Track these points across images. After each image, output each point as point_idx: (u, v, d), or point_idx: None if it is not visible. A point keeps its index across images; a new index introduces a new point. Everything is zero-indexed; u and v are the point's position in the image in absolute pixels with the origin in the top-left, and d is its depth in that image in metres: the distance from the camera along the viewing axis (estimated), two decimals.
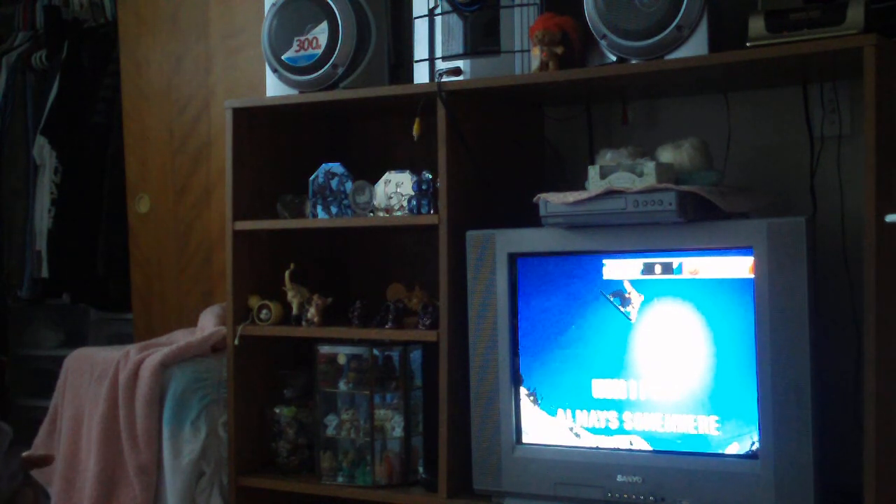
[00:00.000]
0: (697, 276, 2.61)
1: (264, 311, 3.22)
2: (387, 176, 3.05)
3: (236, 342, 3.22)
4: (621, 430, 2.70)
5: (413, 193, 2.98)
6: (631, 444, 2.69)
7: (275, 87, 3.19)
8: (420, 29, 3.01)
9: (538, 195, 2.71)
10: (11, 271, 4.45)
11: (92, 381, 3.38)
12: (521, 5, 2.88)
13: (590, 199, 2.63)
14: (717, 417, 2.59)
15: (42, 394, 3.86)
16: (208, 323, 3.50)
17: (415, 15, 3.03)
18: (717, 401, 2.59)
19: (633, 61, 2.70)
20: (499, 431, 2.79)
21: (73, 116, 4.30)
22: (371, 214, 3.07)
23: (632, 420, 2.69)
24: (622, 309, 2.68)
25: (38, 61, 4.46)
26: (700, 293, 2.60)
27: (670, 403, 2.64)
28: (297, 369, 3.28)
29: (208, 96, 3.79)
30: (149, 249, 3.96)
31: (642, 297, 2.66)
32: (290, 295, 3.20)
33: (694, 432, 2.61)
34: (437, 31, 2.97)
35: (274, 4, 3.16)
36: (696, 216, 2.57)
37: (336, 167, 3.16)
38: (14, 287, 4.47)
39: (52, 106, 4.32)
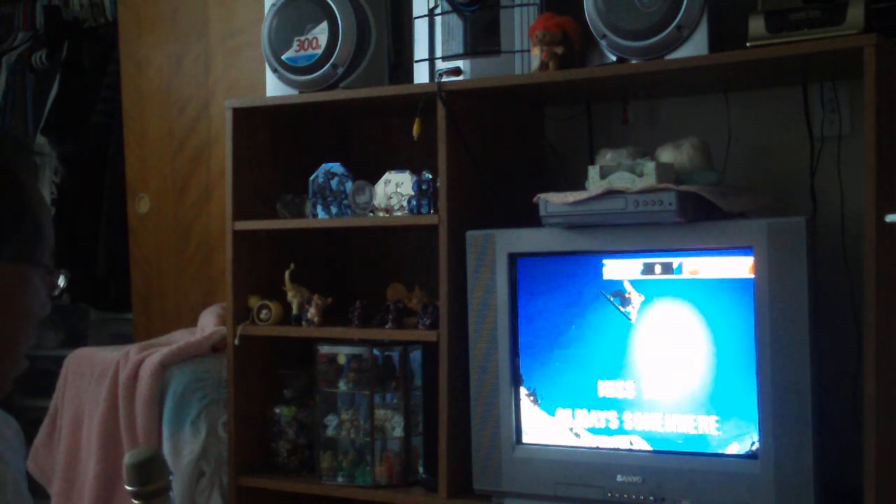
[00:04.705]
0: (697, 276, 2.61)
1: (264, 311, 3.22)
2: (387, 176, 3.05)
3: (236, 342, 3.22)
4: (621, 430, 2.70)
5: (413, 193, 2.98)
6: (631, 444, 2.69)
7: (275, 87, 3.19)
8: (420, 29, 3.01)
9: (538, 195, 2.71)
10: None
11: (92, 381, 3.38)
12: (521, 5, 2.88)
13: (590, 199, 2.63)
14: (717, 417, 2.59)
15: (42, 394, 3.86)
16: (208, 323, 3.51)
17: (415, 15, 3.03)
18: (717, 401, 2.59)
19: (633, 61, 2.70)
20: (499, 431, 2.79)
21: (73, 116, 4.30)
22: (371, 214, 3.07)
23: (632, 420, 2.69)
24: (622, 309, 2.68)
25: (38, 61, 4.46)
26: (700, 293, 2.60)
27: (670, 403, 2.64)
28: (297, 369, 3.28)
29: (208, 96, 3.79)
30: (149, 249, 3.96)
31: (642, 297, 2.66)
32: (290, 295, 3.20)
33: (694, 432, 2.61)
34: (437, 31, 2.97)
35: (274, 4, 3.16)
36: (696, 216, 2.57)
37: (336, 167, 3.16)
38: None
39: (52, 106, 4.32)
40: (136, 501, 1.49)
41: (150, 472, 1.49)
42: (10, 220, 1.32)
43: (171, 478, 1.51)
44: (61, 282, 1.40)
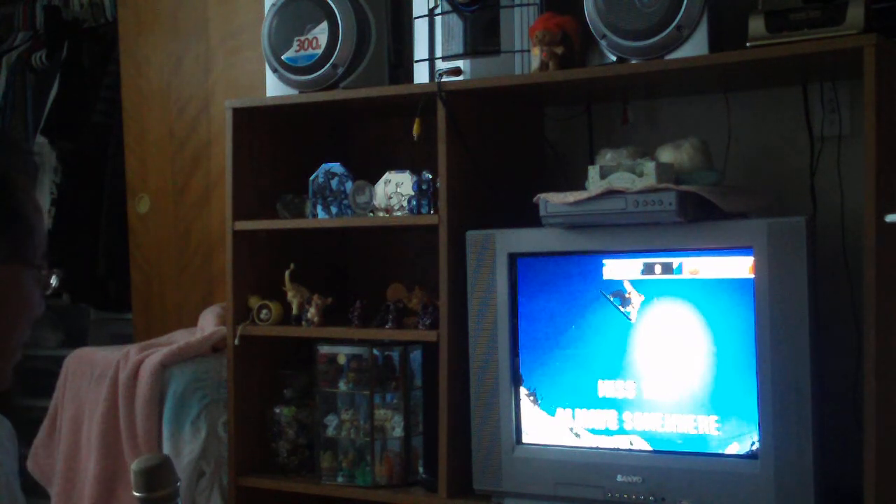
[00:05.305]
0: (697, 276, 2.61)
1: (264, 311, 3.22)
2: (387, 176, 3.05)
3: (236, 342, 3.22)
4: (621, 430, 2.70)
5: (413, 193, 2.98)
6: (631, 444, 2.69)
7: (275, 87, 3.19)
8: (420, 29, 3.01)
9: (538, 195, 2.71)
10: None
11: (92, 381, 3.38)
12: (521, 5, 2.88)
13: (590, 199, 2.63)
14: (717, 417, 2.59)
15: (42, 394, 3.86)
16: (208, 323, 3.51)
17: (415, 15, 3.03)
18: (717, 401, 2.59)
19: (633, 61, 2.70)
20: (499, 431, 2.79)
21: (73, 116, 4.31)
22: (371, 214, 3.07)
23: (632, 420, 2.69)
24: (622, 309, 2.68)
25: (38, 61, 4.46)
26: (700, 293, 2.60)
27: (670, 403, 2.64)
28: (297, 369, 3.28)
29: (208, 96, 3.79)
30: (149, 249, 3.96)
31: (642, 297, 2.66)
32: (290, 295, 3.20)
33: (694, 432, 2.61)
34: (437, 31, 2.97)
35: (274, 4, 3.16)
36: (696, 216, 2.57)
37: (336, 167, 3.16)
38: None
39: (52, 106, 4.32)
40: None
41: (159, 479, 1.49)
42: (1, 220, 1.33)
43: (178, 484, 1.51)
44: (54, 281, 1.42)
